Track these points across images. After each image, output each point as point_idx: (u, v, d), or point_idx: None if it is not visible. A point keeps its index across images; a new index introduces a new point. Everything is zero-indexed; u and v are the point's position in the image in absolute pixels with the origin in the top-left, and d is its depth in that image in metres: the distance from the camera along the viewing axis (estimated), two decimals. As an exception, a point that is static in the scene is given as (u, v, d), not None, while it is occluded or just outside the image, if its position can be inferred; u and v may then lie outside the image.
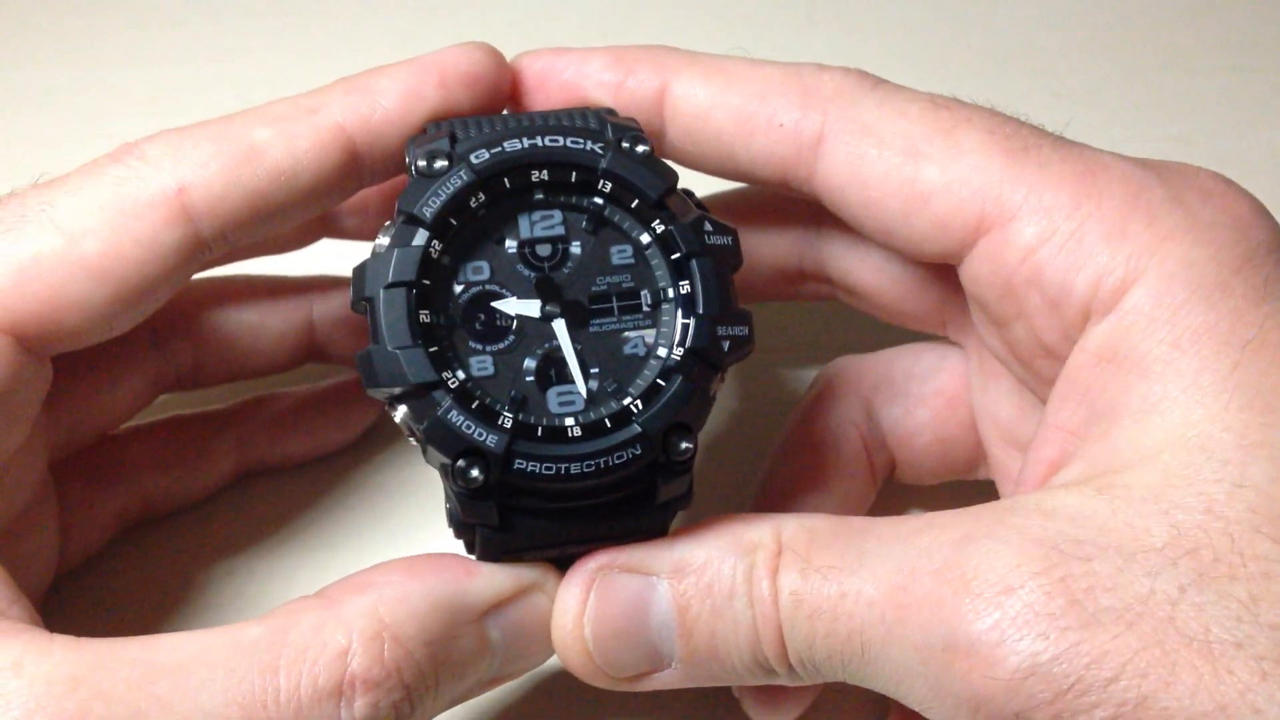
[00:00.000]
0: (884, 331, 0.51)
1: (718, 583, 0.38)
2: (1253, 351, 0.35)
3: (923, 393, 0.48)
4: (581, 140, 0.40)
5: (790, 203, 0.47)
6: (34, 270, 0.39)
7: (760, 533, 0.38)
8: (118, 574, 0.50)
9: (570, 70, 0.44)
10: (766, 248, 0.49)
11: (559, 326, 0.40)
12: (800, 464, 0.48)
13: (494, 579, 0.39)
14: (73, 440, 0.47)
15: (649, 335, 0.40)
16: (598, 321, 0.40)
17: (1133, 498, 0.35)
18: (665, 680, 0.39)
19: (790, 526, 0.38)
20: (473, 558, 0.40)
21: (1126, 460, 0.36)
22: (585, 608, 0.38)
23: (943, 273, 0.44)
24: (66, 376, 0.44)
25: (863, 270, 0.47)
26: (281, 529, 0.52)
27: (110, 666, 0.35)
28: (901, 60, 0.47)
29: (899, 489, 0.51)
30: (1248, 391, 0.35)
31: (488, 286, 0.40)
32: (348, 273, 0.40)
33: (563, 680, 0.48)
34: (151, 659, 0.35)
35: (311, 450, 0.53)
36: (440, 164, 0.39)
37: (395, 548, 0.47)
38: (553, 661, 0.44)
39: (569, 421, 0.38)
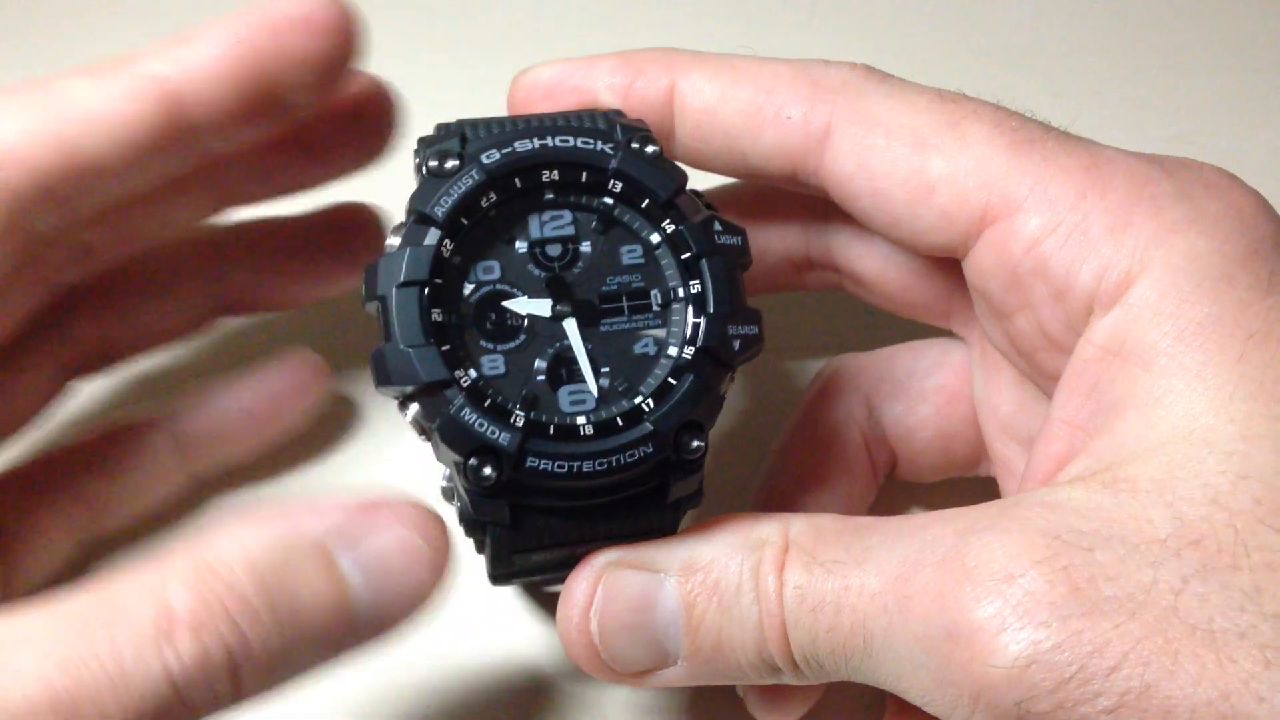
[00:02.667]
0: (888, 328, 0.51)
1: (724, 580, 0.38)
2: (1257, 344, 0.35)
3: (924, 389, 0.48)
4: (592, 140, 0.40)
5: (798, 195, 0.47)
6: None
7: (768, 530, 0.38)
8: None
9: (578, 76, 0.44)
10: (774, 236, 0.49)
11: (570, 326, 0.40)
12: (801, 462, 0.48)
13: (334, 508, 0.37)
14: None
15: (659, 334, 0.40)
16: (608, 321, 0.40)
17: (1137, 490, 0.35)
18: (670, 678, 0.39)
19: (797, 524, 0.38)
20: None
21: (1131, 453, 0.36)
22: (593, 602, 0.39)
23: (947, 264, 0.44)
24: None
25: (869, 258, 0.47)
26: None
27: None
28: (902, 60, 0.47)
29: (900, 487, 0.51)
30: (1252, 383, 0.35)
31: (498, 286, 0.40)
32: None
33: (570, 680, 0.49)
34: None
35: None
36: (451, 164, 0.39)
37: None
38: (559, 658, 0.44)
39: (580, 420, 0.38)
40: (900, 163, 0.41)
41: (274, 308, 0.52)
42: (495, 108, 0.44)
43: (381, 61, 0.43)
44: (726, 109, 0.43)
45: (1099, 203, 0.38)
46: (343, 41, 0.42)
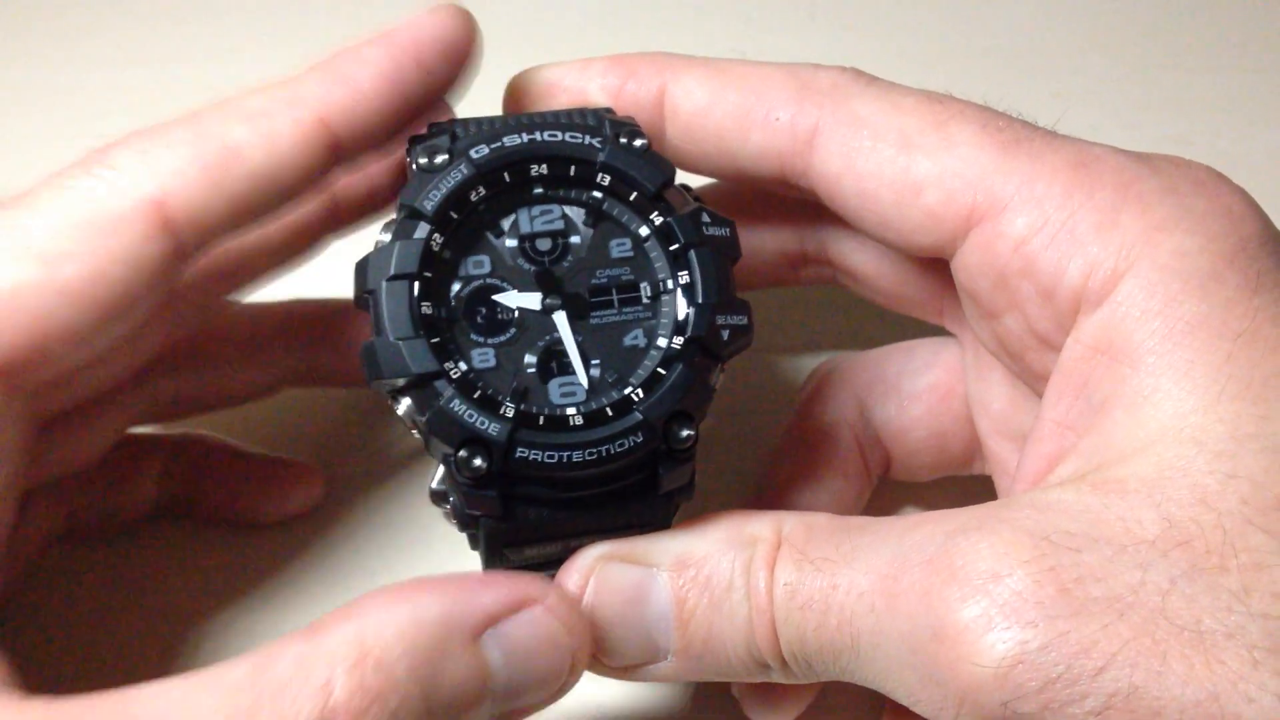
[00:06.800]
0: (883, 325, 0.51)
1: (716, 576, 0.38)
2: (1245, 343, 0.35)
3: (916, 388, 0.49)
4: (580, 135, 0.40)
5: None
6: (14, 304, 0.37)
7: (761, 527, 0.38)
8: (107, 634, 0.49)
9: (571, 79, 0.44)
10: (770, 231, 0.49)
11: (560, 319, 0.40)
12: (794, 463, 0.48)
13: (487, 591, 0.37)
14: (45, 479, 0.45)
15: (649, 326, 0.40)
16: (598, 314, 0.40)
17: (1126, 490, 0.35)
18: (660, 672, 0.39)
19: (790, 522, 0.38)
20: (471, 569, 0.40)
21: (1120, 453, 0.36)
22: (585, 594, 0.39)
23: (939, 262, 0.44)
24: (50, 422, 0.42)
25: (862, 254, 0.47)
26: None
27: None
28: (902, 60, 0.47)
29: (895, 487, 0.51)
30: (1240, 383, 0.35)
31: (488, 280, 0.40)
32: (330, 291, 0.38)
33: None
34: (129, 711, 0.33)
35: (238, 511, 0.51)
36: (441, 159, 0.40)
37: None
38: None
39: (570, 411, 0.38)
40: (887, 164, 0.41)
41: (343, 383, 0.52)
42: (492, 110, 0.44)
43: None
44: (716, 111, 0.43)
45: (1086, 201, 0.38)
46: (468, 61, 0.42)
